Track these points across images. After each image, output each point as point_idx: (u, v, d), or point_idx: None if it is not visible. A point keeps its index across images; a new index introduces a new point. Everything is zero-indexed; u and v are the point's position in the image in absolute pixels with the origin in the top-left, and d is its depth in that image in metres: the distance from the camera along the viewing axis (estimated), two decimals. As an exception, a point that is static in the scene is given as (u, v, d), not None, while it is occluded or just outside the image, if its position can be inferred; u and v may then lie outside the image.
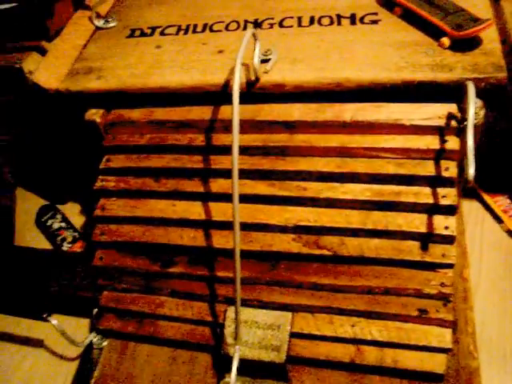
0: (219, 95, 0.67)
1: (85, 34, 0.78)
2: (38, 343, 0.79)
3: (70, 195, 0.93)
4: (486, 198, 0.80)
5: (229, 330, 0.66)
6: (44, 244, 0.88)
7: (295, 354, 0.66)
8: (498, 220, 0.79)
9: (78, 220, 0.90)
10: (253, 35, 0.62)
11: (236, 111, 0.57)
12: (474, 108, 0.56)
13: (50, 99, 0.74)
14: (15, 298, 0.77)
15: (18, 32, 0.84)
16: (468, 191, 0.81)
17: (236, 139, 0.57)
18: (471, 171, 0.52)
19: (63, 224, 0.89)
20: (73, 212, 0.91)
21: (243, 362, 0.65)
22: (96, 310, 0.74)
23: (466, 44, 0.63)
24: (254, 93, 0.66)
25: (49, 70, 0.73)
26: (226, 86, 0.66)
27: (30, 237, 0.90)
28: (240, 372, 0.66)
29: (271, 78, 0.65)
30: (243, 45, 0.58)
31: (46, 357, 0.78)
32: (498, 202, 0.79)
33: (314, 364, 0.66)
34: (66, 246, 0.85)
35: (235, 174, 0.57)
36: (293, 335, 0.66)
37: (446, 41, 0.63)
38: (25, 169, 0.93)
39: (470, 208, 0.82)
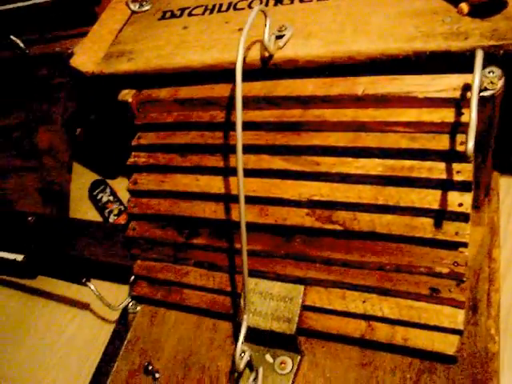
0: (232, 75, 0.69)
1: (121, 19, 0.83)
2: (83, 307, 0.87)
3: (119, 171, 1.00)
4: (528, 174, 0.76)
5: (247, 302, 0.69)
6: (94, 216, 0.96)
7: (307, 327, 0.67)
8: (540, 198, 0.75)
9: (124, 194, 0.96)
10: (263, 12, 0.63)
11: (239, 88, 0.59)
12: (480, 77, 0.53)
13: (90, 82, 0.80)
14: (63, 264, 0.86)
15: (68, 20, 0.91)
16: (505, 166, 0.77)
17: (239, 115, 0.59)
18: (470, 145, 0.50)
19: (111, 198, 0.96)
20: (121, 187, 0.98)
21: (257, 332, 0.68)
22: (132, 277, 0.80)
23: (487, 9, 0.60)
24: (268, 69, 0.68)
25: (86, 54, 0.79)
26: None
27: (83, 209, 0.98)
28: (254, 341, 0.69)
29: (284, 54, 0.66)
30: (249, 22, 0.60)
31: (90, 320, 0.86)
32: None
33: (325, 337, 0.68)
34: (112, 218, 0.93)
35: (239, 149, 0.60)
36: (305, 308, 0.67)
37: (464, 6, 0.60)
38: (80, 147, 1.01)
39: (509, 185, 0.78)
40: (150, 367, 0.73)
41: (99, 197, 0.96)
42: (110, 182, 1.00)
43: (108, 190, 0.97)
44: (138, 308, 0.80)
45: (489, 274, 0.69)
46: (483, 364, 0.63)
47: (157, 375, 0.73)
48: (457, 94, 0.60)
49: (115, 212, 0.94)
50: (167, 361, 0.74)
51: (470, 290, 0.66)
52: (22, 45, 0.95)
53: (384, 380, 0.64)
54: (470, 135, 0.51)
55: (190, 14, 0.79)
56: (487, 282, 0.69)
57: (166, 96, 0.75)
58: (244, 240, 0.62)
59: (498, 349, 0.65)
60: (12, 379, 0.85)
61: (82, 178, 1.03)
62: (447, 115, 0.60)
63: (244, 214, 0.62)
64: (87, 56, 0.79)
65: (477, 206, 0.73)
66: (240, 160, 0.60)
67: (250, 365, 0.68)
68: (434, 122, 0.61)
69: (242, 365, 0.65)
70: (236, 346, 0.64)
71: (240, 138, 0.59)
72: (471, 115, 0.52)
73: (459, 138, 0.60)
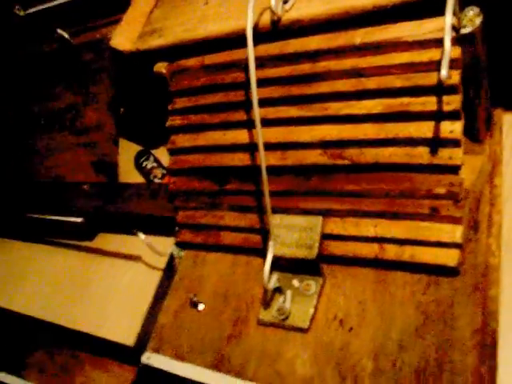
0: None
1: (151, 2, 0.97)
2: (136, 258, 1.02)
3: (160, 140, 1.14)
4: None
5: (272, 234, 0.82)
6: (141, 181, 1.11)
7: (328, 253, 0.80)
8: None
9: (166, 160, 1.10)
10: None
11: (250, 48, 0.71)
12: (452, 11, 0.63)
13: (129, 60, 0.94)
14: (117, 221, 1.01)
15: (105, 9, 1.06)
16: (507, 103, 0.86)
17: (253, 72, 0.72)
18: (443, 72, 0.61)
19: (155, 164, 1.11)
20: (163, 154, 1.13)
21: (284, 261, 0.81)
22: (176, 227, 0.95)
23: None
24: (278, 31, 0.80)
25: (123, 35, 0.93)
26: (255, 30, 0.81)
27: (131, 178, 1.13)
28: (283, 269, 0.82)
29: (290, 16, 0.78)
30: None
31: (142, 268, 1.01)
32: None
33: (344, 261, 0.80)
34: (156, 180, 1.08)
35: (255, 103, 0.72)
36: (325, 237, 0.80)
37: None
38: (124, 123, 1.16)
39: (512, 119, 0.86)
40: (195, 300, 0.87)
41: (144, 164, 1.11)
42: (153, 151, 1.15)
43: (151, 158, 1.12)
44: (182, 253, 0.94)
45: (490, 198, 0.79)
46: (484, 275, 0.73)
47: (201, 306, 0.87)
48: (441, 35, 0.70)
49: (159, 176, 1.09)
50: (209, 294, 0.88)
51: (471, 212, 0.76)
52: (67, 36, 1.12)
53: (396, 294, 0.76)
54: (443, 64, 0.61)
55: (210, -9, 0.93)
56: (488, 205, 0.78)
57: (194, 64, 0.89)
58: (265, 180, 0.75)
59: (498, 262, 0.75)
60: (80, 324, 1.01)
61: (128, 152, 1.18)
62: (435, 54, 0.71)
63: (264, 159, 0.75)
64: (124, 37, 0.93)
65: (478, 139, 0.83)
66: (257, 112, 0.73)
67: (279, 289, 0.81)
68: (423, 61, 0.71)
69: (270, 285, 0.78)
70: (264, 270, 0.77)
71: (255, 93, 0.73)
72: (445, 46, 0.62)
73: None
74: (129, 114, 1.14)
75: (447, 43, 0.63)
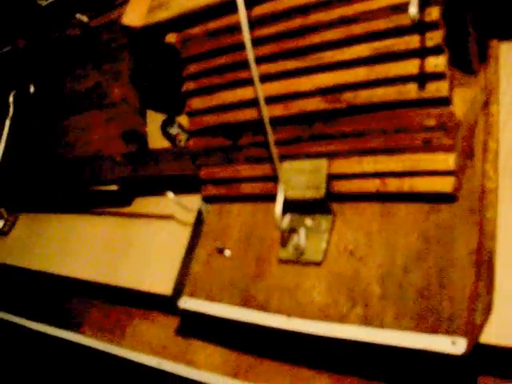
0: (246, 1, 0.90)
1: (157, -22, 1.07)
2: (169, 218, 1.15)
3: (182, 107, 1.25)
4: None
5: (283, 179, 0.92)
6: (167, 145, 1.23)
7: (335, 191, 0.89)
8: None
9: (189, 125, 1.22)
10: None
11: (242, 9, 0.80)
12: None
13: (141, 35, 1.05)
14: (148, 184, 1.14)
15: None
16: (502, 34, 0.91)
17: (247, 34, 0.81)
18: (412, 9, 0.68)
19: (179, 130, 1.22)
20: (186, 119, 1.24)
21: (296, 203, 0.91)
22: (201, 184, 1.06)
23: None
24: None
25: (133, 12, 1.04)
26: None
27: (159, 144, 1.26)
28: (296, 211, 0.92)
29: (279, -26, 0.87)
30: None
31: (175, 226, 1.13)
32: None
33: (351, 198, 0.89)
34: (182, 144, 1.20)
35: (251, 58, 0.82)
36: (331, 177, 0.89)
37: None
38: (149, 94, 1.28)
39: (509, 49, 0.92)
40: (222, 247, 0.99)
41: (170, 131, 1.23)
42: (176, 118, 1.26)
43: (176, 125, 1.23)
44: (209, 207, 1.06)
45: (485, 126, 0.86)
46: (480, 199, 0.81)
47: (227, 253, 0.98)
48: (419, -27, 0.76)
49: (184, 140, 1.20)
50: (234, 241, 0.99)
51: (466, 141, 0.83)
52: (86, 20, 1.24)
53: (399, 223, 0.84)
54: (412, 1, 0.68)
55: (208, -40, 1.01)
56: (483, 133, 0.85)
57: (199, 31, 0.98)
58: (269, 130, 0.85)
59: (494, 186, 0.82)
60: (125, 281, 1.15)
61: (155, 121, 1.30)
62: (415, -7, 0.78)
63: (266, 111, 0.85)
64: (134, 14, 1.04)
65: (472, 71, 0.89)
66: (254, 69, 0.84)
67: (293, 229, 0.91)
68: (402, 2, 0.78)
69: (283, 225, 0.88)
70: (275, 210, 0.87)
71: (251, 52, 0.84)
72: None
73: (427, 10, 0.77)
74: (152, 85, 1.25)
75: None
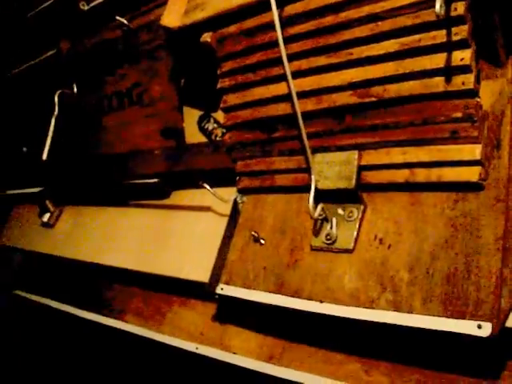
0: (278, 2, 0.94)
1: (193, -20, 1.12)
2: (206, 209, 1.21)
3: (218, 103, 1.30)
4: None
5: (315, 170, 0.96)
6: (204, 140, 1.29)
7: (366, 182, 0.93)
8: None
9: (225, 120, 1.27)
10: None
11: (275, 11, 0.85)
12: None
13: (179, 35, 1.11)
14: (186, 177, 1.20)
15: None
16: None
17: (279, 32, 0.85)
18: (437, 6, 0.72)
19: (215, 125, 1.28)
20: (222, 115, 1.29)
21: (329, 193, 0.95)
22: (237, 176, 1.11)
23: None
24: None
25: (171, 13, 1.09)
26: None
27: (196, 139, 1.31)
28: (329, 201, 0.96)
29: (310, -25, 0.91)
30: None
31: (212, 216, 1.19)
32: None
33: (381, 188, 0.92)
34: (218, 139, 1.25)
35: (284, 55, 0.86)
36: (362, 168, 0.93)
37: None
38: (187, 91, 1.34)
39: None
40: (257, 236, 1.03)
41: (206, 126, 1.29)
42: (213, 114, 1.31)
43: (212, 120, 1.29)
44: (244, 198, 1.11)
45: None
46: (506, 187, 0.83)
47: (262, 241, 1.03)
48: (445, -29, 0.80)
49: (219, 135, 1.25)
50: (268, 230, 1.04)
51: (492, 132, 0.86)
52: (125, 22, 1.30)
53: (428, 212, 0.87)
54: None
55: (243, -37, 1.06)
56: (510, 124, 0.88)
57: (234, 30, 1.03)
58: (301, 124, 0.90)
59: (521, 172, 0.85)
60: (165, 269, 1.22)
61: (192, 117, 1.35)
62: (441, -10, 0.81)
63: (298, 106, 0.89)
64: (172, 15, 1.10)
65: (500, 63, 0.91)
66: (286, 65, 0.88)
67: (326, 218, 0.96)
68: (431, -2, 0.81)
69: (316, 214, 0.92)
70: (309, 200, 0.91)
71: (283, 49, 0.88)
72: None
73: (453, 6, 0.80)
74: (189, 83, 1.31)
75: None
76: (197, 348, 1.16)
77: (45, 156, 1.38)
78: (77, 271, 1.54)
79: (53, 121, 1.42)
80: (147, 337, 1.26)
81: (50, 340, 1.69)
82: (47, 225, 1.65)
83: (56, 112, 1.44)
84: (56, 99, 1.44)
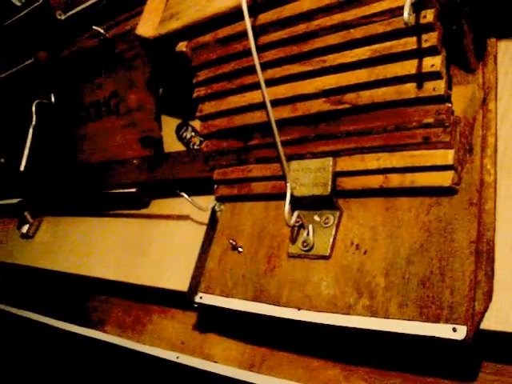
0: (252, 10, 0.95)
1: (168, -11, 1.13)
2: (185, 218, 1.21)
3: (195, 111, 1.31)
4: (517, 34, 0.93)
5: (291, 177, 0.96)
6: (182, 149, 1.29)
7: (341, 188, 0.93)
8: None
9: (202, 128, 1.27)
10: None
11: (246, 17, 0.85)
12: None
13: (154, 45, 1.11)
14: (164, 186, 1.19)
15: (131, 2, 1.23)
16: (500, 32, 0.94)
17: (252, 41, 0.86)
18: (405, 14, 0.73)
19: (193, 133, 1.28)
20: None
21: (303, 200, 0.95)
22: (214, 185, 1.12)
23: None
24: (274, -1, 0.93)
25: (146, 23, 1.09)
26: (254, 1, 0.94)
27: (174, 147, 1.31)
28: (304, 208, 0.96)
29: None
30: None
31: (190, 225, 1.19)
32: (529, 36, 0.92)
33: (356, 194, 0.93)
34: (196, 148, 1.25)
35: (257, 65, 0.87)
36: (337, 174, 0.93)
37: None
38: (164, 100, 1.34)
39: (507, 47, 0.95)
40: (235, 244, 1.03)
41: (184, 135, 1.29)
42: (190, 122, 1.32)
43: (190, 129, 1.29)
44: (222, 207, 1.11)
45: (484, 122, 0.90)
46: (479, 191, 0.84)
47: (240, 249, 1.03)
48: (412, -19, 0.81)
49: (197, 143, 1.25)
50: (246, 238, 1.04)
51: (464, 137, 0.87)
52: (102, 31, 1.30)
53: (402, 217, 0.88)
54: (406, 7, 0.72)
55: (216, -28, 1.07)
56: (482, 128, 0.89)
57: (209, 39, 1.04)
58: (276, 132, 0.90)
59: (493, 179, 0.86)
60: (143, 279, 1.21)
61: (170, 126, 1.36)
62: (409, -1, 0.82)
63: (272, 113, 0.90)
64: (147, 24, 1.10)
65: (471, 69, 0.92)
66: (260, 74, 0.88)
67: (302, 225, 0.96)
68: (399, 6, 0.82)
69: (291, 221, 0.93)
70: (283, 207, 0.92)
71: (256, 57, 0.88)
72: (407, -10, 0.74)
73: (423, 13, 0.81)
74: (166, 92, 1.31)
75: (408, -13, 0.74)
76: (177, 357, 1.15)
77: (22, 167, 1.37)
78: (57, 282, 1.53)
79: (30, 131, 1.41)
80: (128, 347, 1.25)
81: (31, 352, 1.67)
82: (26, 236, 1.64)
83: (34, 122, 1.43)
84: (33, 109, 1.44)
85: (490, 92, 0.92)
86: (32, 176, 1.48)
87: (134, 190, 1.26)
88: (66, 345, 1.46)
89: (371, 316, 0.84)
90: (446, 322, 0.78)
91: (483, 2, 0.92)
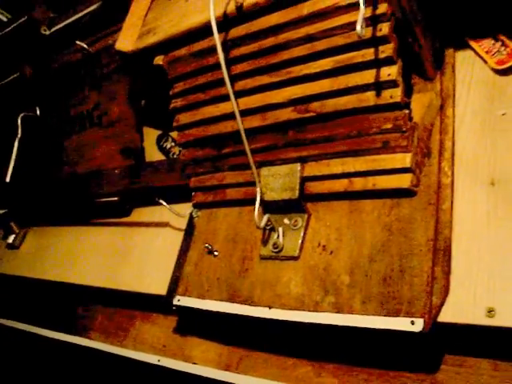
0: (223, 25, 1.01)
1: (145, 7, 1.19)
2: (164, 225, 1.26)
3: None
4: (472, 43, 0.99)
5: (262, 183, 1.03)
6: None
7: (308, 192, 1.00)
8: (485, 61, 0.99)
9: (182, 139, 1.33)
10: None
11: (215, 32, 0.92)
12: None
13: (133, 59, 1.17)
14: (144, 194, 1.25)
15: (114, 17, 1.30)
16: (457, 43, 1.01)
17: (220, 53, 0.92)
18: (358, 28, 0.79)
19: (173, 143, 1.34)
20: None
21: (274, 204, 1.01)
22: (191, 192, 1.17)
23: None
24: (243, 14, 1.00)
25: (125, 38, 1.16)
26: (225, 16, 1.01)
27: (156, 157, 1.38)
28: (274, 212, 1.02)
29: (250, 1, 0.97)
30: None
31: (169, 231, 1.25)
32: (483, 46, 0.98)
33: (323, 198, 0.99)
34: (175, 157, 1.31)
35: (226, 78, 0.93)
36: (305, 179, 0.99)
37: None
38: (146, 111, 1.40)
39: (464, 57, 1.02)
40: (210, 248, 1.09)
41: (164, 145, 1.35)
42: (171, 133, 1.38)
43: (170, 139, 1.35)
44: (199, 213, 1.17)
45: (442, 128, 0.96)
46: (436, 192, 0.91)
47: (216, 253, 1.09)
48: (369, -6, 0.87)
49: (177, 153, 1.32)
50: (221, 242, 1.10)
51: (423, 141, 0.93)
52: (85, 46, 1.37)
53: (366, 218, 0.94)
54: (358, 21, 0.79)
55: (190, -11, 1.14)
56: (440, 133, 0.96)
57: (184, 53, 1.10)
58: (245, 140, 0.96)
59: (450, 181, 0.92)
60: (125, 284, 1.26)
61: (152, 136, 1.42)
62: (366, 12, 0.88)
63: (241, 123, 0.96)
64: (126, 39, 1.16)
65: (429, 78, 0.99)
66: (229, 86, 0.95)
67: (273, 228, 1.02)
68: (357, 20, 0.89)
69: (261, 225, 0.99)
70: (254, 211, 0.98)
71: (225, 70, 0.94)
72: (360, 6, 0.81)
73: (378, 26, 0.88)
74: (147, 104, 1.38)
75: (361, 3, 0.80)
76: (159, 360, 1.20)
77: (8, 178, 1.43)
78: (43, 291, 1.58)
79: (16, 143, 1.48)
80: (112, 352, 1.30)
81: (18, 362, 1.72)
82: (12, 246, 1.69)
83: (19, 134, 1.49)
84: (19, 122, 1.50)
85: (447, 99, 0.99)
86: (18, 187, 1.54)
87: (115, 198, 1.32)
88: (52, 352, 1.51)
89: (336, 312, 0.90)
90: (405, 315, 0.83)
91: (440, 15, 1.00)
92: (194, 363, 1.16)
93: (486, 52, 0.98)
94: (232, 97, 0.95)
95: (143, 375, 1.28)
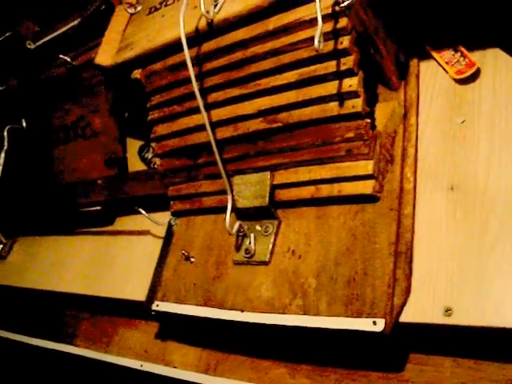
0: (195, 40, 1.07)
1: (123, 22, 1.24)
2: (145, 233, 1.32)
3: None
4: (434, 54, 1.05)
5: (235, 191, 1.08)
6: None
7: (278, 199, 1.05)
8: (446, 71, 1.04)
9: (162, 149, 1.39)
10: (195, -9, 1.01)
11: (185, 47, 0.98)
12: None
13: (112, 73, 1.23)
14: (124, 204, 1.31)
15: (96, 32, 1.36)
16: (421, 54, 1.07)
17: (190, 66, 0.98)
18: (316, 42, 0.84)
19: (154, 154, 1.39)
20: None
21: (246, 211, 1.07)
22: (171, 201, 1.23)
23: None
24: (214, 30, 1.05)
25: (104, 53, 1.22)
26: (196, 32, 1.07)
27: (138, 167, 1.43)
28: (246, 219, 1.07)
29: (220, 17, 1.03)
30: (184, 3, 0.98)
31: (150, 239, 1.30)
32: (443, 56, 1.04)
33: (291, 204, 1.04)
34: (156, 167, 1.37)
35: (196, 91, 0.98)
36: (274, 187, 1.05)
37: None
38: (129, 123, 1.46)
39: (427, 67, 1.07)
40: (187, 255, 1.14)
41: (146, 156, 1.40)
42: (152, 144, 1.43)
43: (151, 149, 1.40)
44: (177, 221, 1.22)
45: (404, 135, 1.01)
46: (398, 198, 0.96)
47: (192, 259, 1.14)
48: (330, 10, 0.93)
49: (158, 163, 1.36)
50: (198, 249, 1.15)
51: (385, 149, 0.99)
52: (69, 59, 1.43)
53: (332, 224, 0.99)
54: (316, 36, 0.84)
55: (166, 5, 1.18)
56: (402, 140, 1.01)
57: (160, 67, 1.16)
58: (215, 150, 1.02)
59: (412, 187, 0.97)
60: (108, 291, 1.32)
61: (135, 147, 1.47)
62: (328, 26, 0.94)
63: (211, 133, 1.02)
64: (105, 54, 1.22)
65: (393, 87, 1.05)
66: (199, 99, 1.00)
67: (245, 234, 1.07)
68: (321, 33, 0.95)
69: (233, 231, 1.04)
70: (225, 218, 1.03)
71: (195, 84, 1.00)
72: (318, 21, 0.86)
73: (339, 39, 0.93)
74: (128, 116, 1.43)
75: (319, 19, 0.86)
76: (141, 365, 1.25)
77: (-5, 190, 1.49)
78: (30, 300, 1.63)
79: (2, 155, 1.53)
80: (96, 358, 1.35)
81: (3, 370, 1.76)
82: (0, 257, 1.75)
83: (5, 146, 1.55)
84: (5, 134, 1.56)
85: (411, 108, 1.04)
86: (4, 198, 1.60)
87: (98, 208, 1.38)
88: (39, 359, 1.56)
89: (303, 314, 0.94)
90: (368, 316, 0.88)
91: (402, 27, 1.05)
92: (175, 367, 1.20)
93: (447, 62, 1.03)
94: (202, 109, 1.00)
95: (127, 380, 1.33)
